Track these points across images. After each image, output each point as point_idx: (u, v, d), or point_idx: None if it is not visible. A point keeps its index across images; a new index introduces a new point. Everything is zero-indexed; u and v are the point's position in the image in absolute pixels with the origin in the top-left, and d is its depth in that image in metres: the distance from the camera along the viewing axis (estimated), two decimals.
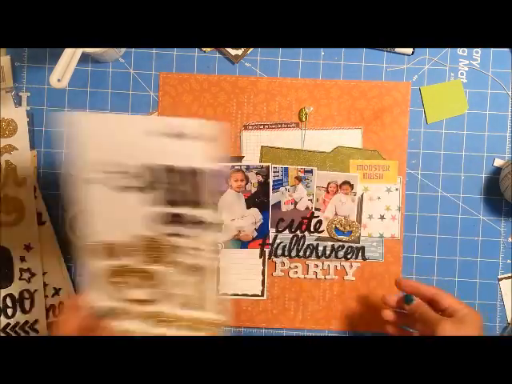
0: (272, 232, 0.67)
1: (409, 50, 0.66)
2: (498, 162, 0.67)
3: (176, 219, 0.43)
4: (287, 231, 0.67)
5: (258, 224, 0.67)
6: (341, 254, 0.67)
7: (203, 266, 0.43)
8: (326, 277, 0.67)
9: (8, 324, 0.66)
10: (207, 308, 0.42)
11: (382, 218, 0.67)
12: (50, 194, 0.67)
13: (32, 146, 0.67)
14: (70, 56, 0.58)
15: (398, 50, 0.66)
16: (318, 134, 0.67)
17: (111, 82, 0.67)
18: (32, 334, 0.67)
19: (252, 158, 0.67)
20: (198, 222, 0.43)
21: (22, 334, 0.66)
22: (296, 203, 0.67)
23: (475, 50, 0.67)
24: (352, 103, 0.67)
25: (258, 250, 0.67)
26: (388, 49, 0.66)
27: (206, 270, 0.43)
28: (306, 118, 0.67)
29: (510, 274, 0.67)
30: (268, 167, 0.67)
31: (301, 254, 0.67)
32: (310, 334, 0.68)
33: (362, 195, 0.67)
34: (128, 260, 0.43)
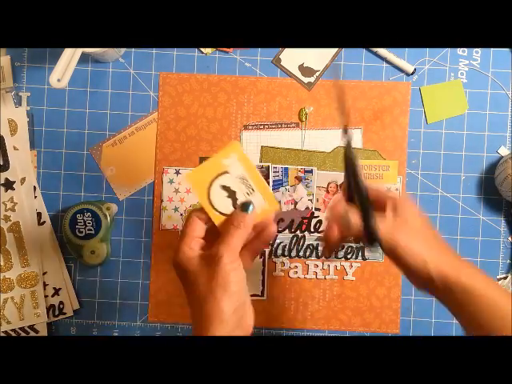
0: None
1: (410, 68, 0.66)
2: (502, 151, 0.67)
3: None
4: (287, 231, 0.67)
5: None
6: (341, 254, 0.67)
7: None
8: (326, 277, 0.67)
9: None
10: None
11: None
12: (50, 194, 0.67)
13: (32, 146, 0.67)
14: (70, 56, 0.59)
15: (399, 65, 0.67)
16: (317, 133, 0.67)
17: (111, 81, 0.67)
18: (32, 334, 0.67)
19: (252, 158, 0.67)
20: None
21: (22, 334, 0.66)
22: (296, 203, 0.67)
23: (475, 50, 0.67)
24: (352, 103, 0.67)
25: None
26: (389, 64, 0.66)
27: None
28: (305, 118, 0.67)
29: (509, 274, 0.67)
30: (268, 167, 0.67)
31: (301, 253, 0.67)
32: (310, 334, 0.68)
33: None
34: None
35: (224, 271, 0.40)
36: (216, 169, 0.44)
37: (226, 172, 0.44)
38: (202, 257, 0.42)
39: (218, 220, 0.44)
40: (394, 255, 0.43)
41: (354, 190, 0.45)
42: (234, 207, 0.44)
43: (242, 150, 0.45)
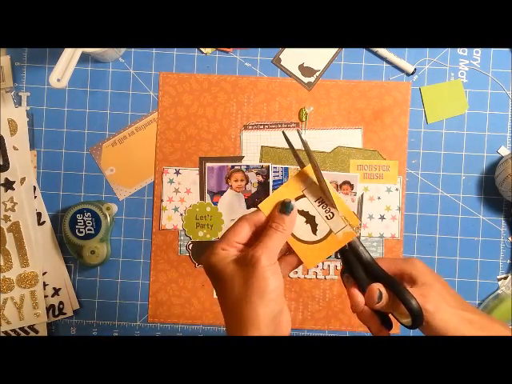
0: None
1: (410, 68, 0.66)
2: (502, 150, 0.67)
3: None
4: None
5: None
6: None
7: None
8: (326, 277, 0.67)
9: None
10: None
11: (382, 217, 0.67)
12: (50, 194, 0.67)
13: (32, 146, 0.67)
14: (70, 56, 0.59)
15: (399, 65, 0.67)
16: (318, 133, 0.67)
17: (111, 81, 0.67)
18: (32, 334, 0.67)
19: (252, 157, 0.67)
20: None
21: (22, 334, 0.66)
22: None
23: (475, 50, 0.67)
24: (352, 103, 0.67)
25: None
26: (389, 64, 0.66)
27: None
28: (306, 118, 0.67)
29: (509, 274, 0.67)
30: (268, 167, 0.67)
31: None
32: (310, 333, 0.68)
33: (362, 195, 0.67)
34: None
35: (261, 275, 0.37)
36: (292, 194, 0.42)
37: (302, 196, 0.42)
38: (238, 258, 0.39)
39: (297, 248, 0.42)
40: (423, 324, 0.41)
41: (366, 276, 0.42)
42: (314, 233, 0.42)
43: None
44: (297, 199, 0.42)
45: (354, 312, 0.45)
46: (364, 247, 0.43)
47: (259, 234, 0.41)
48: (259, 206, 0.41)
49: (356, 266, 0.43)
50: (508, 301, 0.64)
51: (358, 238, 0.41)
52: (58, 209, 0.67)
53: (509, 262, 0.67)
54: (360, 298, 0.43)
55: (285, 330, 0.40)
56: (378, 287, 0.41)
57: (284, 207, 0.40)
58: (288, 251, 0.42)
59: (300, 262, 0.42)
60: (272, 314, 0.38)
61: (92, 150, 0.67)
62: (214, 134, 0.67)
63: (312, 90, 0.67)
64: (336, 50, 0.67)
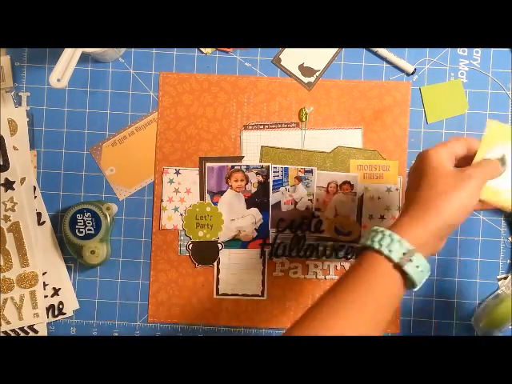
0: (272, 232, 0.67)
1: (410, 68, 0.66)
2: None
3: None
4: (287, 231, 0.67)
5: (258, 224, 0.67)
6: (341, 254, 0.67)
7: None
8: (326, 277, 0.67)
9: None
10: None
11: (382, 218, 0.67)
12: (50, 194, 0.67)
13: (32, 146, 0.67)
14: (70, 56, 0.59)
15: (399, 65, 0.67)
16: (318, 133, 0.67)
17: (111, 81, 0.67)
18: (31, 334, 0.67)
19: (252, 157, 0.67)
20: None
21: (22, 334, 0.66)
22: (296, 203, 0.67)
23: (475, 50, 0.67)
24: (352, 103, 0.67)
25: (258, 250, 0.67)
26: (389, 64, 0.66)
27: None
28: (306, 118, 0.67)
29: (509, 274, 0.67)
30: (268, 167, 0.67)
31: (301, 253, 0.67)
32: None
33: (362, 195, 0.67)
34: None
35: (470, 189, 0.44)
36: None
37: None
38: (452, 169, 0.46)
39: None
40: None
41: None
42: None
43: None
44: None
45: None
46: None
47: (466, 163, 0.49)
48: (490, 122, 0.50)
49: None
50: (508, 301, 0.64)
51: None
52: (58, 209, 0.67)
53: (509, 261, 0.67)
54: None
55: (438, 248, 0.46)
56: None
57: (502, 161, 0.49)
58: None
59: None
60: (455, 220, 0.44)
61: (92, 150, 0.67)
62: (214, 134, 0.67)
63: (312, 90, 0.67)
64: (336, 49, 0.67)
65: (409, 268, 0.42)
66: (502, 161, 0.49)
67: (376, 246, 0.43)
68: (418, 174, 0.47)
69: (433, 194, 0.44)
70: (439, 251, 0.46)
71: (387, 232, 0.43)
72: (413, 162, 0.50)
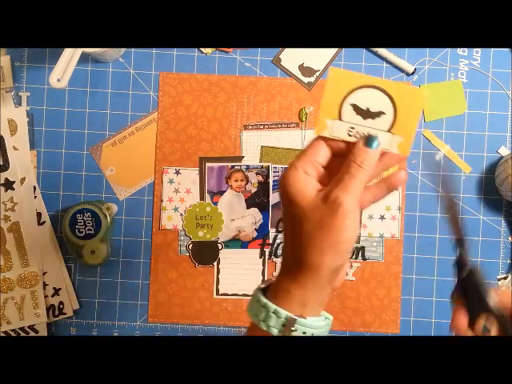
0: (272, 232, 0.67)
1: (410, 68, 0.66)
2: (502, 150, 0.67)
3: None
4: None
5: (258, 224, 0.67)
6: None
7: None
8: None
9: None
10: None
11: (382, 218, 0.67)
12: (50, 194, 0.67)
13: (32, 146, 0.67)
14: (70, 56, 0.59)
15: (399, 65, 0.67)
16: None
17: (111, 81, 0.67)
18: (32, 334, 0.67)
19: (252, 157, 0.67)
20: None
21: (22, 334, 0.66)
22: None
23: (475, 50, 0.67)
24: None
25: (258, 250, 0.67)
26: (389, 64, 0.66)
27: None
28: (306, 118, 0.67)
29: (509, 274, 0.67)
30: (268, 167, 0.67)
31: None
32: None
33: None
34: None
35: (340, 223, 0.34)
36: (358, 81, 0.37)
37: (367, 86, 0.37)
38: (316, 195, 0.35)
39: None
40: None
41: (480, 309, 0.40)
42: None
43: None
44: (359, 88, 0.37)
45: (452, 331, 0.42)
46: (484, 282, 0.40)
47: (336, 163, 0.37)
48: (330, 71, 0.37)
49: (471, 294, 0.40)
50: None
51: (481, 271, 0.40)
52: (57, 209, 0.67)
53: (509, 261, 0.67)
54: (464, 323, 0.40)
55: (338, 280, 0.38)
56: (483, 323, 0.39)
57: (370, 140, 0.36)
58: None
59: (379, 198, 0.38)
60: (336, 265, 0.35)
61: (92, 150, 0.67)
62: (214, 134, 0.67)
63: (312, 90, 0.67)
64: (336, 49, 0.67)
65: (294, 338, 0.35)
66: (370, 139, 0.36)
67: (254, 319, 0.37)
68: (285, 216, 0.37)
69: (302, 243, 0.35)
70: (339, 284, 0.39)
71: (262, 301, 0.36)
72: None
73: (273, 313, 0.36)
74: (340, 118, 0.37)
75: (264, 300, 0.36)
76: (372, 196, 0.38)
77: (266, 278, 0.67)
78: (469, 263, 0.40)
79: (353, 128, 0.37)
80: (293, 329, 0.35)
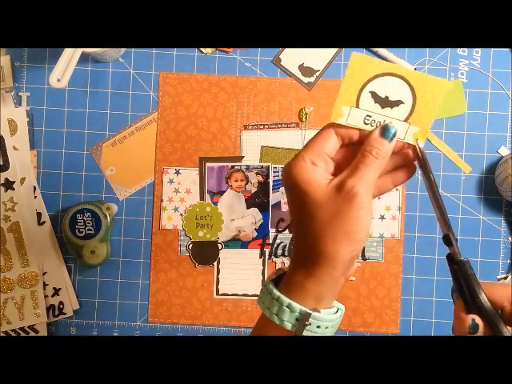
0: (272, 232, 0.67)
1: (410, 68, 0.66)
2: (502, 150, 0.67)
3: None
4: (287, 231, 0.67)
5: (258, 224, 0.67)
6: None
7: None
8: None
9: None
10: None
11: (382, 218, 0.67)
12: (50, 194, 0.67)
13: (32, 146, 0.67)
14: (70, 56, 0.59)
15: (399, 65, 0.67)
16: None
17: (111, 81, 0.67)
18: (32, 334, 0.67)
19: (252, 158, 0.67)
20: None
21: (22, 334, 0.66)
22: None
23: (475, 50, 0.67)
24: None
25: (257, 250, 0.67)
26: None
27: None
28: (306, 118, 0.67)
29: (509, 274, 0.67)
30: (268, 167, 0.67)
31: None
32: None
33: None
34: None
35: (355, 213, 0.33)
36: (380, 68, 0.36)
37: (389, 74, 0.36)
38: (333, 183, 0.34)
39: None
40: None
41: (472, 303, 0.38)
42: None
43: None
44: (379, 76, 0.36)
45: (453, 333, 0.41)
46: (474, 274, 0.39)
47: (348, 153, 0.36)
48: (352, 56, 0.36)
49: (463, 290, 0.39)
50: None
51: (469, 263, 0.39)
52: (57, 209, 0.67)
53: (509, 262, 0.67)
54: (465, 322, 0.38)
55: (350, 272, 0.37)
56: (472, 318, 0.37)
57: (386, 131, 0.35)
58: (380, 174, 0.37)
59: (388, 188, 0.38)
60: (352, 254, 0.34)
61: (92, 150, 0.67)
62: (214, 134, 0.67)
63: (312, 90, 0.67)
64: (336, 49, 0.67)
65: (308, 333, 0.35)
66: (386, 129, 0.35)
67: (266, 312, 0.36)
68: (295, 208, 0.36)
69: (316, 234, 0.34)
70: (351, 274, 0.39)
71: (275, 295, 0.35)
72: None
73: (286, 307, 0.35)
74: (357, 106, 0.37)
75: (277, 293, 0.35)
76: (377, 190, 0.37)
77: (265, 278, 0.67)
78: (458, 257, 0.40)
79: (370, 116, 0.37)
80: (307, 323, 0.34)
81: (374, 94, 0.36)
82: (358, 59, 0.36)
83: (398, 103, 0.36)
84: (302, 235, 0.36)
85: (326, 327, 0.35)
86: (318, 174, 0.35)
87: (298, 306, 0.34)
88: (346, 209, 0.33)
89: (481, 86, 0.67)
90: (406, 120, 0.37)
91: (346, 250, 0.34)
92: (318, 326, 0.35)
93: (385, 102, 0.36)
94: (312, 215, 0.34)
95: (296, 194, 0.35)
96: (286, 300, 0.35)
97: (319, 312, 0.35)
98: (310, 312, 0.34)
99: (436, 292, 0.67)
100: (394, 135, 0.36)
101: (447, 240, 0.40)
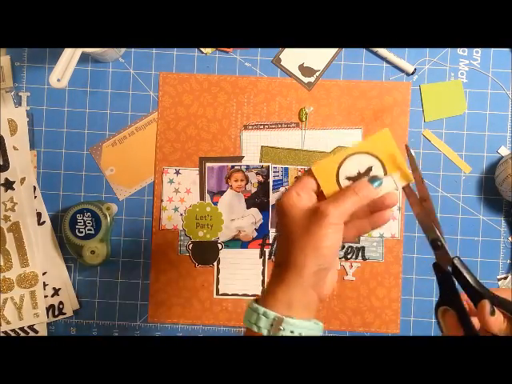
0: (272, 232, 0.67)
1: (410, 68, 0.66)
2: (502, 150, 0.67)
3: None
4: None
5: (258, 224, 0.67)
6: (341, 253, 0.67)
7: None
8: None
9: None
10: None
11: None
12: (50, 194, 0.67)
13: (32, 146, 0.67)
14: (70, 56, 0.59)
15: (399, 65, 0.67)
16: (317, 133, 0.67)
17: (111, 81, 0.67)
18: (31, 334, 0.67)
19: (252, 157, 0.67)
20: None
21: (22, 335, 0.66)
22: None
23: (475, 50, 0.67)
24: (352, 103, 0.67)
25: (257, 250, 0.67)
26: (389, 64, 0.66)
27: None
28: (306, 118, 0.67)
29: (509, 274, 0.67)
30: (268, 167, 0.67)
31: None
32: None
33: None
34: None
35: (323, 231, 0.38)
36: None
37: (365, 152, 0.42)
38: (309, 208, 0.40)
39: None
40: None
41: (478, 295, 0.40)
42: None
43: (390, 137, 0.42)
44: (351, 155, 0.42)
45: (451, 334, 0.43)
46: (468, 270, 0.41)
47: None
48: (313, 168, 0.42)
49: (456, 296, 0.41)
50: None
51: (460, 259, 0.41)
52: (58, 209, 0.67)
53: (509, 262, 0.67)
54: (463, 333, 0.41)
55: (325, 289, 0.41)
56: (487, 302, 0.39)
57: (374, 180, 0.41)
58: (359, 217, 0.42)
59: (366, 230, 0.43)
60: (318, 267, 0.38)
61: (92, 150, 0.67)
62: (214, 134, 0.67)
63: (312, 90, 0.67)
64: (336, 50, 0.67)
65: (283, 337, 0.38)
66: (373, 178, 0.41)
67: (247, 324, 0.40)
68: (279, 227, 0.42)
69: (288, 246, 0.39)
70: (327, 293, 0.41)
71: (253, 306, 0.39)
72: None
73: (262, 315, 0.39)
74: (340, 188, 0.42)
75: (255, 305, 0.39)
76: (356, 230, 0.42)
77: (265, 278, 0.67)
78: (449, 260, 0.41)
79: None
80: (280, 328, 0.38)
81: (349, 178, 0.42)
82: (320, 168, 0.42)
83: (369, 170, 0.42)
84: (280, 249, 0.41)
85: (300, 333, 0.38)
86: (300, 201, 0.40)
87: (272, 313, 0.38)
88: (316, 226, 0.38)
89: (481, 86, 0.67)
90: (385, 174, 0.42)
91: (313, 263, 0.38)
92: (292, 331, 0.38)
93: (360, 176, 0.42)
94: (288, 231, 0.40)
95: (279, 215, 0.41)
96: (261, 308, 0.39)
97: (292, 318, 0.38)
98: (282, 317, 0.38)
99: (436, 292, 0.67)
100: (380, 184, 0.41)
101: (435, 244, 0.42)
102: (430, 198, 0.42)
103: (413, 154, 0.43)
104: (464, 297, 0.41)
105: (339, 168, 0.42)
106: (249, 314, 0.40)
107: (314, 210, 0.39)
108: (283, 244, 0.41)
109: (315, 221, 0.38)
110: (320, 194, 0.42)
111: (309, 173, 0.42)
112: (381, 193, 0.41)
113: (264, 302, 0.40)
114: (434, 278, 0.64)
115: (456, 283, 0.41)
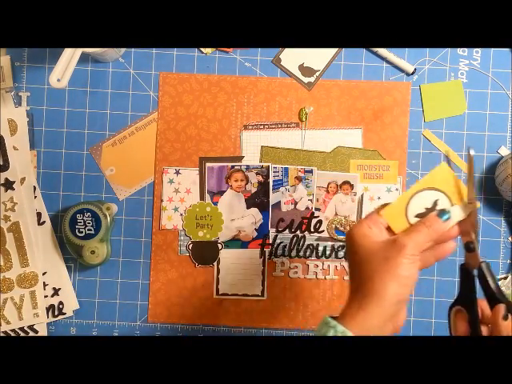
0: (272, 232, 0.67)
1: (410, 68, 0.66)
2: (502, 150, 0.67)
3: None
4: (287, 231, 0.67)
5: (258, 224, 0.67)
6: (341, 254, 0.67)
7: None
8: (326, 277, 0.67)
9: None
10: None
11: None
12: (50, 194, 0.67)
13: (32, 146, 0.67)
14: (70, 56, 0.59)
15: (399, 65, 0.67)
16: (317, 133, 0.67)
17: (111, 81, 0.67)
18: (31, 334, 0.67)
19: (252, 157, 0.67)
20: None
21: (22, 335, 0.66)
22: (296, 203, 0.67)
23: (475, 50, 0.67)
24: (352, 103, 0.67)
25: (258, 250, 0.67)
26: (389, 64, 0.66)
27: None
28: (306, 118, 0.67)
29: (509, 274, 0.67)
30: (268, 167, 0.67)
31: (301, 254, 0.67)
32: (310, 333, 0.68)
33: (362, 195, 0.67)
34: None
35: (402, 261, 0.40)
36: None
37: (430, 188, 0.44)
38: (382, 240, 0.42)
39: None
40: None
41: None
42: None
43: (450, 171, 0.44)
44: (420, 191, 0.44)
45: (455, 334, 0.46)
46: (493, 275, 0.43)
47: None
48: (382, 212, 0.44)
49: (473, 299, 0.43)
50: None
51: (489, 265, 0.44)
52: (58, 209, 0.67)
53: (509, 262, 0.67)
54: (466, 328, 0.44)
55: (399, 322, 0.43)
56: (504, 306, 0.42)
57: (442, 213, 0.43)
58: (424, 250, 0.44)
59: (430, 263, 0.45)
60: (399, 297, 0.40)
61: (92, 150, 0.67)
62: (214, 134, 0.67)
63: (312, 90, 0.67)
64: (336, 50, 0.67)
65: None
66: (441, 212, 0.43)
67: (318, 335, 0.40)
68: (351, 256, 0.44)
69: (367, 276, 0.41)
70: (400, 325, 0.43)
71: (332, 323, 0.40)
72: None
73: (341, 333, 0.39)
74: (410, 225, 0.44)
75: (333, 322, 0.40)
76: (421, 263, 0.43)
77: (265, 278, 0.67)
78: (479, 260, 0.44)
79: None
80: None
81: (418, 215, 0.44)
82: (390, 212, 0.44)
83: (435, 204, 0.44)
84: (357, 277, 0.42)
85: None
86: (372, 233, 0.43)
87: (350, 334, 0.39)
88: (395, 256, 0.40)
89: (481, 86, 0.67)
90: (452, 205, 0.44)
91: (393, 292, 0.40)
92: None
93: (428, 212, 0.44)
94: (366, 260, 0.41)
95: (352, 245, 0.43)
96: (341, 328, 0.39)
97: None
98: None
99: (436, 292, 0.67)
100: (448, 218, 0.43)
101: (468, 246, 0.45)
102: (476, 200, 0.44)
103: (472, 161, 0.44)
104: (480, 303, 0.43)
105: (407, 208, 0.44)
106: (324, 329, 0.40)
107: (391, 242, 0.41)
108: (359, 273, 0.42)
109: (393, 251, 0.40)
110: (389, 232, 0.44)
111: (378, 211, 0.44)
112: (451, 223, 0.43)
113: (342, 321, 0.40)
114: (434, 278, 0.64)
115: (477, 287, 0.43)
